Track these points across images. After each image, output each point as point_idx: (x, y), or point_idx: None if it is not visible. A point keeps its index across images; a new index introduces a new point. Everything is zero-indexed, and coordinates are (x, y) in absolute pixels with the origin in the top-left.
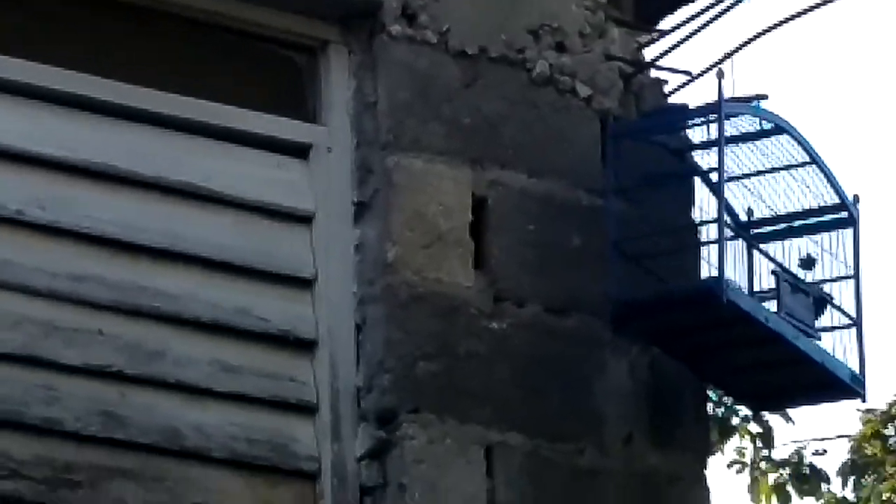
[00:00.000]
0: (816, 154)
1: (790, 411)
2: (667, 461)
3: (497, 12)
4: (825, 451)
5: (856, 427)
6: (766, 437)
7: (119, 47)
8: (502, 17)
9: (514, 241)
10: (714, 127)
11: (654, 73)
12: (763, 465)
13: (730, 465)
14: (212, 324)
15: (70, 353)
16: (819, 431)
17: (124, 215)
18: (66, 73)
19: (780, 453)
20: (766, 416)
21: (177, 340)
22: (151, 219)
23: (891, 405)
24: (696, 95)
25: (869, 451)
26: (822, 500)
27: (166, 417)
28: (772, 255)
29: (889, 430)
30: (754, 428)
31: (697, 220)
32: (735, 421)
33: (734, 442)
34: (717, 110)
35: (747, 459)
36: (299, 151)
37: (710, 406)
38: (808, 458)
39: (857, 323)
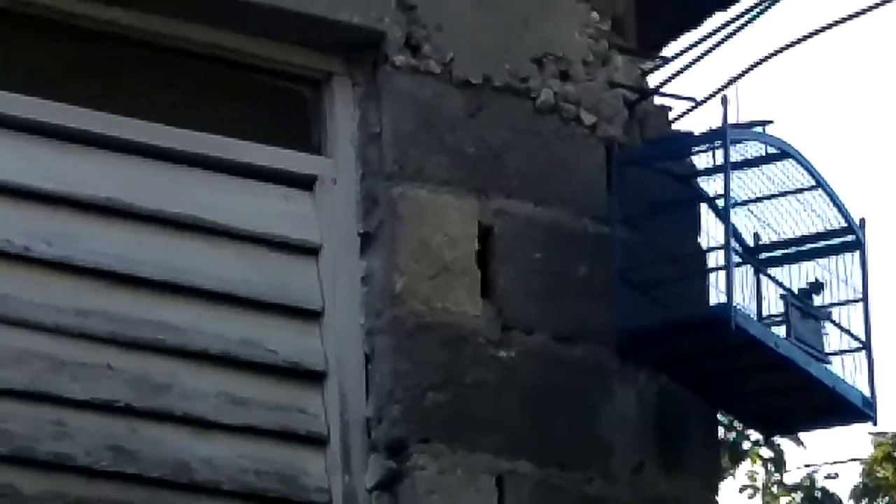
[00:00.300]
0: (822, 178)
1: (801, 435)
2: (676, 488)
3: (501, 41)
4: (837, 474)
5: (867, 450)
6: (778, 462)
7: (123, 81)
8: (506, 46)
9: (521, 270)
10: (719, 153)
11: (658, 99)
12: (775, 489)
13: (741, 490)
14: (219, 356)
15: (78, 387)
16: (831, 455)
17: (129, 249)
18: (68, 108)
19: (791, 477)
20: (778, 440)
21: (184, 373)
22: (156, 252)
23: None
24: (701, 121)
25: (881, 474)
26: None
27: (175, 451)
28: (779, 280)
29: None
30: (766, 452)
31: (704, 246)
32: (746, 445)
33: (746, 466)
34: (723, 136)
35: (759, 484)
36: (304, 183)
37: (721, 431)
38: (820, 481)
39: (866, 346)
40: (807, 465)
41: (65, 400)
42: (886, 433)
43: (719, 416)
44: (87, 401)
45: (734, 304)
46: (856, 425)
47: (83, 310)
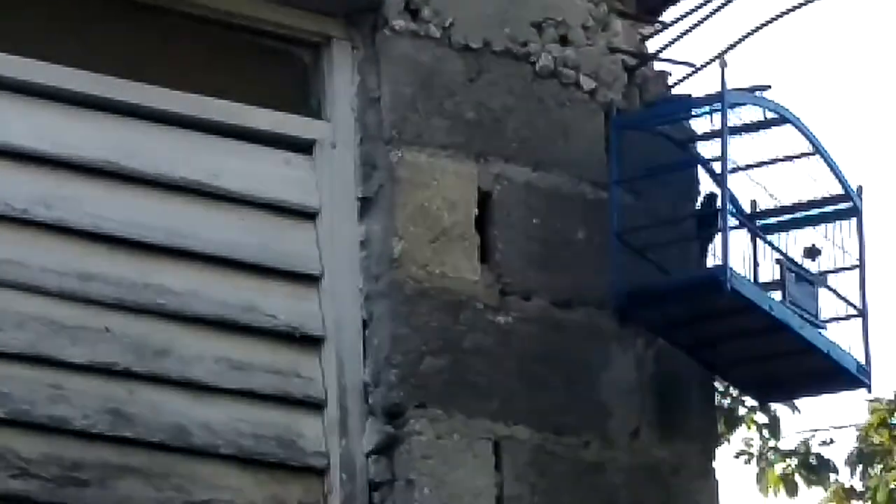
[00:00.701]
0: (820, 144)
1: (797, 401)
2: (674, 453)
3: (500, 6)
4: (832, 440)
5: (863, 416)
6: (773, 428)
7: (123, 45)
8: (506, 10)
9: (520, 235)
10: (717, 117)
11: (657, 65)
12: (770, 455)
13: (737, 456)
14: (218, 321)
15: (77, 351)
16: (826, 421)
17: (129, 213)
18: (70, 70)
19: (787, 443)
20: (773, 406)
21: (183, 338)
22: (156, 216)
23: None
24: (700, 87)
25: (876, 440)
26: (829, 490)
27: (174, 415)
28: (775, 245)
29: None
30: (761, 418)
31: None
32: (742, 411)
33: (741, 432)
34: (721, 100)
35: (754, 450)
36: (304, 147)
37: (716, 397)
38: (816, 447)
39: (862, 313)
40: (802, 432)
41: (63, 363)
42: (882, 399)
43: (721, 379)
44: (85, 364)
45: (729, 266)
46: (851, 391)
47: (83, 273)
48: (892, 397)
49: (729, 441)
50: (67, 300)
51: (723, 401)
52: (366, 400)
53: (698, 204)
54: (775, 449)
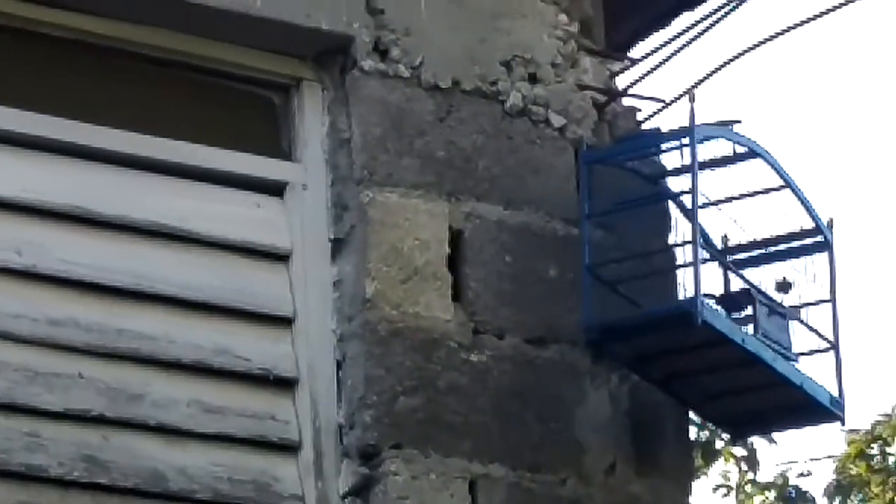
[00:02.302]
0: (790, 178)
1: (774, 434)
2: (649, 489)
3: (469, 45)
4: (810, 472)
5: (840, 447)
6: (751, 460)
7: (93, 89)
8: (474, 49)
9: (492, 273)
10: (687, 151)
11: (626, 101)
12: (748, 488)
13: (715, 489)
14: (191, 365)
15: (51, 398)
16: (803, 453)
17: (100, 258)
18: (37, 116)
19: (765, 476)
20: (751, 438)
21: (157, 382)
22: (127, 261)
23: (874, 425)
24: (670, 122)
25: (854, 471)
26: None
27: (149, 460)
28: (751, 282)
29: (873, 450)
30: (739, 451)
31: (672, 243)
32: (719, 444)
33: (719, 465)
34: (690, 134)
35: (732, 483)
36: (275, 189)
37: (693, 430)
38: (794, 479)
39: (834, 346)
40: (780, 464)
41: (38, 411)
42: (859, 430)
43: (692, 416)
44: (60, 411)
45: (701, 299)
46: (825, 424)
47: (55, 319)
48: (869, 428)
49: (707, 474)
50: (40, 347)
51: (700, 434)
52: (341, 441)
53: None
54: (753, 482)
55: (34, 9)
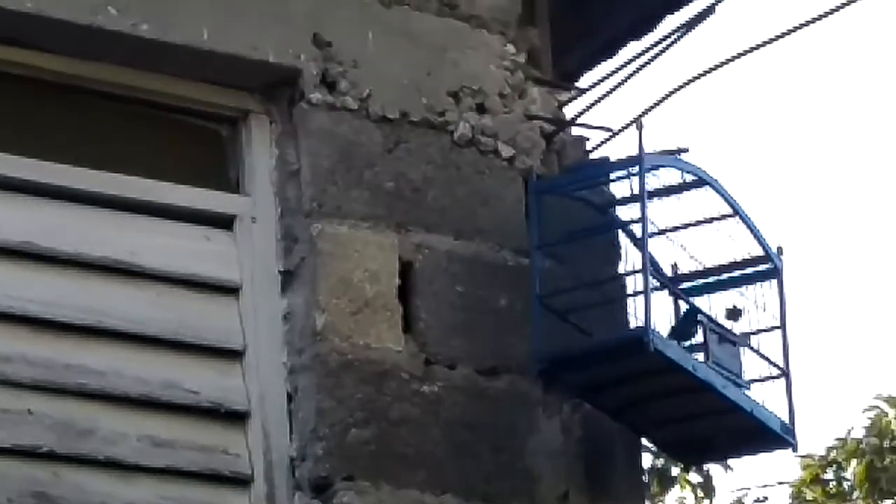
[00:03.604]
0: (739, 206)
1: (728, 459)
2: None
3: (417, 76)
4: (766, 498)
5: (795, 473)
6: (707, 487)
7: (37, 125)
8: (422, 80)
9: (443, 304)
10: (636, 180)
11: (575, 130)
12: None
13: None
14: (141, 399)
15: (0, 434)
16: (759, 478)
17: (48, 294)
18: None
19: (721, 502)
20: (706, 465)
21: (106, 417)
22: (76, 296)
23: (829, 449)
24: (619, 151)
25: (809, 496)
26: None
27: (99, 495)
28: (697, 305)
29: (828, 474)
30: (695, 478)
31: (622, 272)
32: (675, 471)
33: (675, 492)
34: (639, 163)
35: None
36: (224, 222)
37: (649, 457)
38: None
39: (785, 373)
40: (736, 490)
41: None
42: (814, 455)
43: (647, 443)
44: (8, 447)
45: (652, 327)
46: (777, 451)
47: (3, 355)
48: (824, 453)
49: (663, 501)
50: None
51: (656, 460)
52: (293, 474)
53: (679, 318)
54: None
55: None
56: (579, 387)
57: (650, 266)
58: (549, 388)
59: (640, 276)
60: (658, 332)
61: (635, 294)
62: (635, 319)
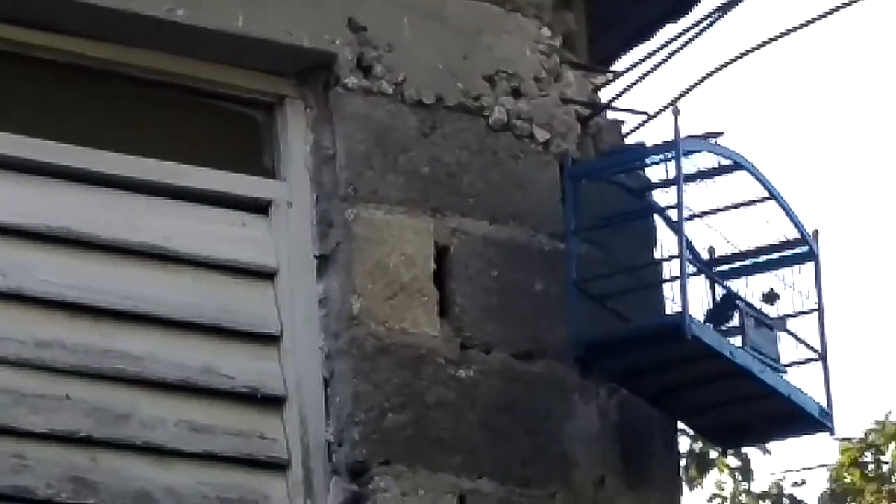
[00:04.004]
0: (775, 189)
1: (767, 444)
2: (639, 501)
3: (452, 60)
4: (804, 481)
5: (834, 456)
6: (745, 471)
7: (74, 110)
8: (458, 65)
9: (478, 288)
10: (672, 165)
11: (610, 114)
12: (743, 498)
13: (710, 500)
14: (178, 384)
15: (37, 419)
16: (797, 462)
17: (85, 279)
18: (20, 138)
19: (759, 486)
20: (744, 449)
21: (144, 402)
22: (113, 281)
23: (868, 433)
24: (654, 135)
25: (848, 480)
26: None
27: (137, 480)
28: (735, 291)
29: (867, 458)
30: (733, 462)
31: (659, 257)
32: (713, 455)
33: (713, 476)
34: (675, 148)
35: (727, 493)
36: (260, 207)
37: (687, 441)
38: (788, 489)
39: (822, 356)
40: (774, 473)
41: (25, 432)
42: (853, 438)
43: (686, 427)
44: (47, 433)
45: (689, 313)
46: (814, 434)
47: (41, 341)
48: (863, 436)
49: (702, 485)
50: (26, 368)
51: (694, 445)
52: (329, 459)
53: (716, 302)
54: (748, 492)
55: (21, 32)
56: (616, 373)
57: (687, 251)
58: (586, 374)
59: (676, 262)
60: (695, 319)
61: (672, 280)
62: (672, 304)
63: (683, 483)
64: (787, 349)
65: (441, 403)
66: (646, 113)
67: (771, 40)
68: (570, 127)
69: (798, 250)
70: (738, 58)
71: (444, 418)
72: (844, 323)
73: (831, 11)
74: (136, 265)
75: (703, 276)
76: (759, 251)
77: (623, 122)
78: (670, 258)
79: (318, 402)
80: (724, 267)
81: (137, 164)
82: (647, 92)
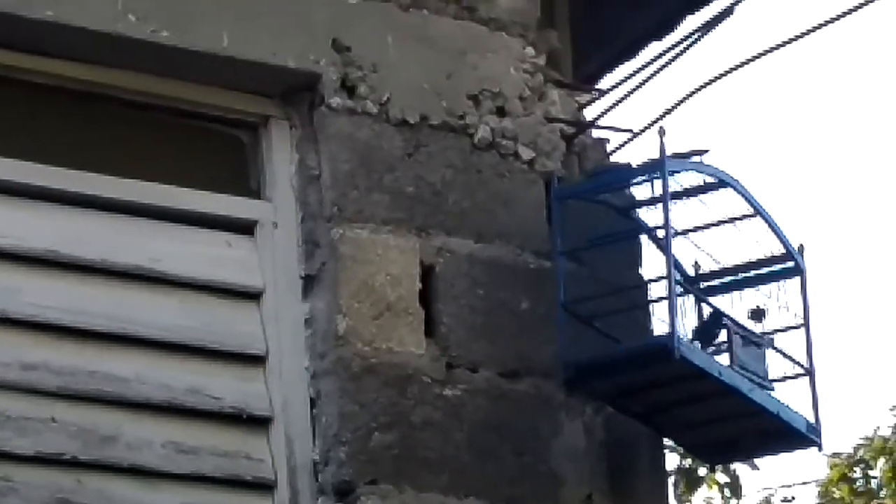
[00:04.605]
0: (760, 206)
1: (756, 459)
2: None
3: (436, 80)
4: (793, 497)
5: (823, 471)
6: (734, 487)
7: (60, 132)
8: (442, 84)
9: (464, 307)
10: (658, 183)
11: (595, 132)
12: None
13: None
14: (164, 405)
15: (23, 442)
16: (786, 477)
17: (70, 301)
18: (5, 161)
19: (748, 501)
20: (733, 465)
21: (129, 424)
22: (99, 303)
23: (856, 448)
24: (639, 153)
25: (837, 495)
26: None
27: (123, 502)
28: (721, 308)
29: (856, 473)
30: (722, 478)
31: (646, 277)
32: (702, 471)
33: (702, 492)
34: (661, 167)
35: None
36: (245, 228)
37: (676, 457)
38: None
39: (809, 372)
40: (763, 489)
41: (10, 455)
42: (841, 454)
43: (673, 444)
44: (33, 455)
45: (677, 334)
46: (803, 450)
47: (26, 363)
48: (851, 452)
49: (690, 501)
50: (11, 391)
51: (683, 461)
52: (316, 479)
53: (703, 320)
54: None
55: (6, 55)
56: (605, 393)
57: (675, 271)
58: (572, 391)
59: (664, 282)
60: (683, 339)
61: (659, 299)
62: (661, 323)
63: (672, 499)
64: (775, 364)
65: (427, 423)
66: (630, 131)
67: (755, 58)
68: (554, 145)
69: (784, 266)
70: (722, 75)
71: (431, 437)
72: (832, 338)
73: (815, 28)
74: (122, 287)
75: (690, 295)
76: (746, 266)
77: (608, 140)
78: (658, 279)
79: (305, 423)
80: (711, 282)
81: (123, 186)
82: (631, 110)
